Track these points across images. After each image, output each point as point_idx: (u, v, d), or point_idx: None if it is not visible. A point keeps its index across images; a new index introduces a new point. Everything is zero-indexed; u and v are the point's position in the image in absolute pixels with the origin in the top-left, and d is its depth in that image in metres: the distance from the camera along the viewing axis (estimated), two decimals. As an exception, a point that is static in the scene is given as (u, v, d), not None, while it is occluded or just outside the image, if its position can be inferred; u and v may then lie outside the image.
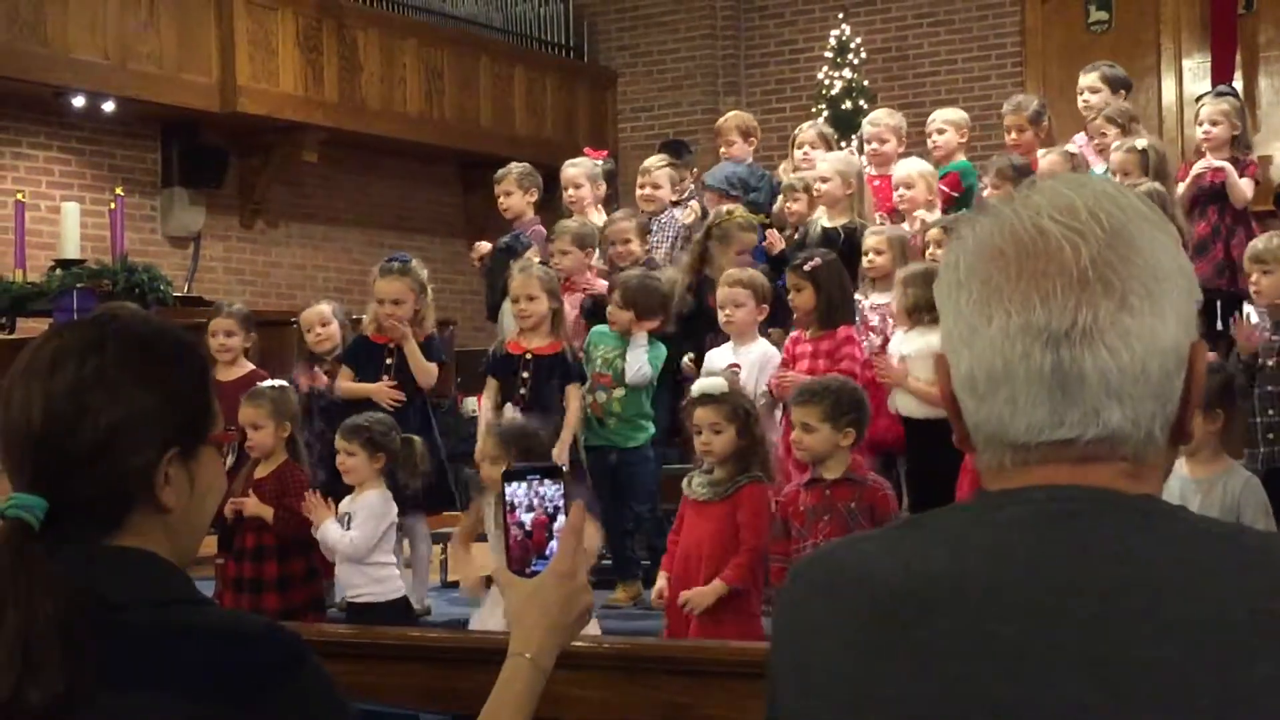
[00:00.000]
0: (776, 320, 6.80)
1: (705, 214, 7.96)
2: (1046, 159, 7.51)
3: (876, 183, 8.11)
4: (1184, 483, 4.57)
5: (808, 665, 1.30)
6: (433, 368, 6.44)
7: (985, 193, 7.28)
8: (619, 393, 6.43)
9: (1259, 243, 5.99)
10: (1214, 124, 7.56)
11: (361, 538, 5.43)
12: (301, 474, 5.71)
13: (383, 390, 6.32)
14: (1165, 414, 1.26)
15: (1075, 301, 1.23)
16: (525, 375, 6.29)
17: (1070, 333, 1.23)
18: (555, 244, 7.31)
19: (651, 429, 6.52)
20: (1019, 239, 1.26)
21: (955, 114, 8.39)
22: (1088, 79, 8.26)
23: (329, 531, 5.43)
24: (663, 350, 6.59)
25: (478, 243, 8.30)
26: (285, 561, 5.58)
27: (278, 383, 5.93)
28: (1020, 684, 1.17)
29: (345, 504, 5.55)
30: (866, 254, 6.76)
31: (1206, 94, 8.39)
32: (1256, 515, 4.53)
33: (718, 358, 6.40)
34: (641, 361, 6.42)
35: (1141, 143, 7.37)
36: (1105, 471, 1.25)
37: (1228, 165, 7.34)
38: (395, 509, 5.58)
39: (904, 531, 1.34)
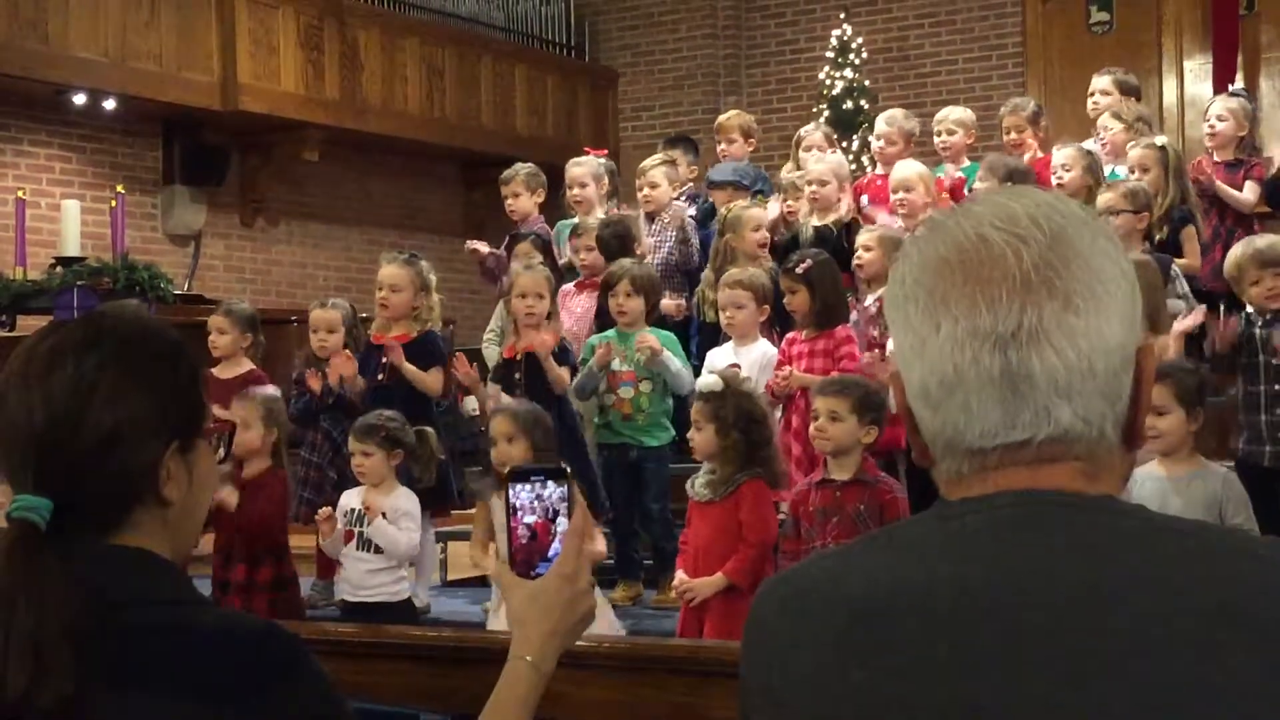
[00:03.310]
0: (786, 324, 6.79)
1: (715, 212, 7.97)
2: (1062, 153, 7.48)
3: (879, 181, 8.11)
4: (1161, 483, 4.57)
5: (780, 683, 1.31)
6: (433, 379, 6.36)
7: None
8: (645, 387, 6.41)
9: (1259, 244, 5.80)
10: (1220, 119, 7.53)
11: (417, 537, 5.54)
12: (283, 484, 5.75)
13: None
14: (1115, 413, 1.28)
15: (1020, 304, 1.25)
16: (518, 375, 6.30)
17: (1017, 334, 1.25)
18: (581, 240, 7.33)
19: (672, 431, 6.49)
20: (962, 248, 1.28)
21: (965, 114, 8.37)
22: (1101, 82, 8.23)
23: (388, 532, 5.42)
24: (675, 339, 6.61)
25: (473, 244, 8.19)
26: (254, 567, 5.58)
27: (271, 390, 5.94)
28: (992, 687, 1.18)
29: (356, 498, 5.54)
30: (856, 251, 6.77)
31: (1221, 95, 8.34)
32: (1238, 510, 4.54)
33: (718, 358, 6.41)
34: (680, 368, 6.40)
35: (1162, 139, 7.35)
36: (1062, 472, 1.27)
37: (1217, 181, 7.29)
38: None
39: (868, 545, 1.36)
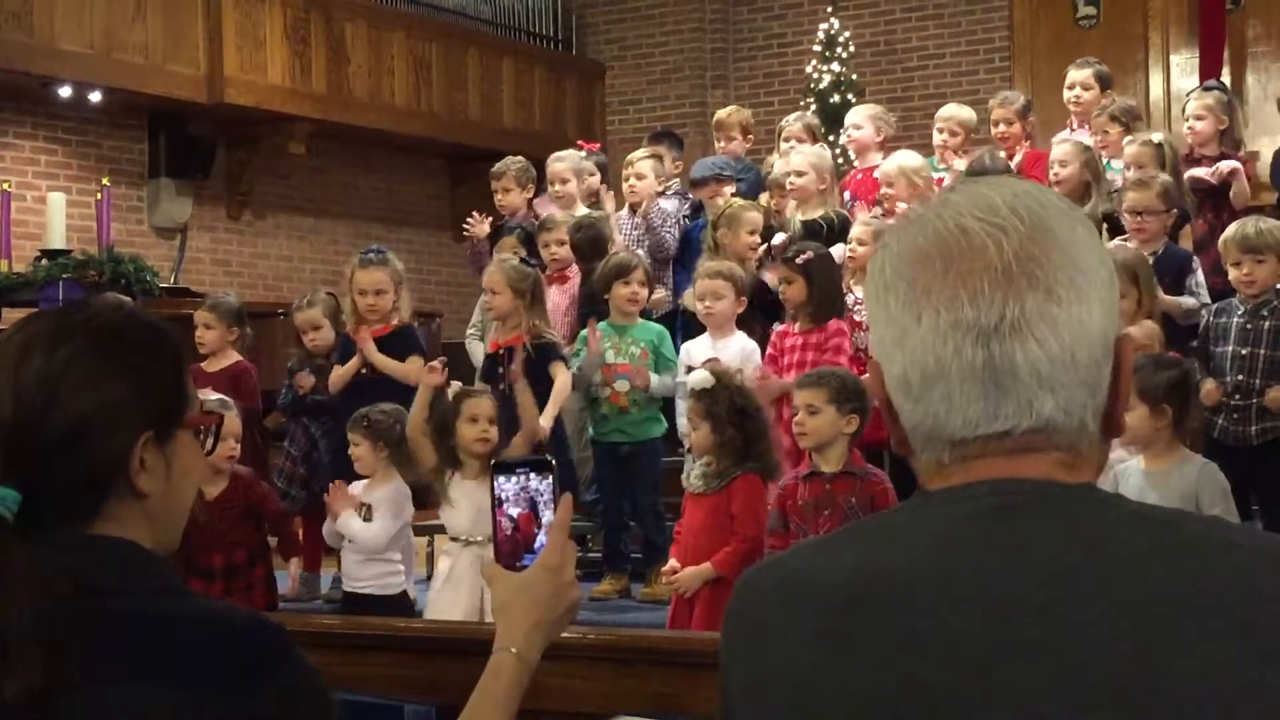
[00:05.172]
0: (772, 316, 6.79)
1: (701, 207, 7.95)
2: (1061, 148, 7.45)
3: (859, 176, 8.09)
4: (1141, 476, 4.60)
5: (762, 673, 1.31)
6: (410, 367, 6.35)
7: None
8: (640, 380, 6.40)
9: (1249, 229, 5.82)
10: (1198, 118, 7.56)
11: (383, 531, 5.50)
12: (259, 482, 5.79)
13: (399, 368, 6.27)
14: (1095, 403, 1.28)
15: (1002, 296, 1.25)
16: (501, 370, 6.30)
17: (999, 327, 1.25)
18: (551, 234, 7.29)
19: (665, 424, 6.49)
20: (942, 239, 1.28)
21: (966, 114, 8.26)
22: (1080, 75, 8.21)
23: (350, 524, 5.48)
24: (666, 334, 6.63)
25: (478, 224, 8.08)
26: (250, 569, 5.64)
27: (219, 396, 5.95)
28: (975, 675, 1.18)
29: (361, 493, 5.58)
30: (850, 244, 6.75)
31: (1194, 89, 8.37)
32: (1215, 500, 4.56)
33: (695, 350, 6.37)
34: (668, 385, 6.44)
35: (1158, 136, 7.35)
36: (1041, 462, 1.27)
37: (1239, 166, 7.31)
38: (411, 504, 5.61)
39: (850, 534, 1.36)
